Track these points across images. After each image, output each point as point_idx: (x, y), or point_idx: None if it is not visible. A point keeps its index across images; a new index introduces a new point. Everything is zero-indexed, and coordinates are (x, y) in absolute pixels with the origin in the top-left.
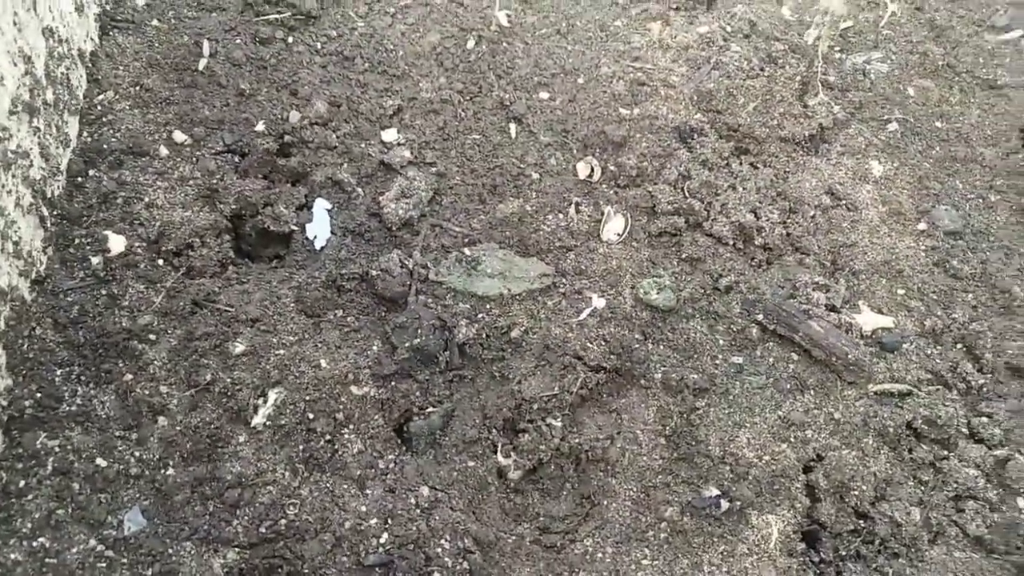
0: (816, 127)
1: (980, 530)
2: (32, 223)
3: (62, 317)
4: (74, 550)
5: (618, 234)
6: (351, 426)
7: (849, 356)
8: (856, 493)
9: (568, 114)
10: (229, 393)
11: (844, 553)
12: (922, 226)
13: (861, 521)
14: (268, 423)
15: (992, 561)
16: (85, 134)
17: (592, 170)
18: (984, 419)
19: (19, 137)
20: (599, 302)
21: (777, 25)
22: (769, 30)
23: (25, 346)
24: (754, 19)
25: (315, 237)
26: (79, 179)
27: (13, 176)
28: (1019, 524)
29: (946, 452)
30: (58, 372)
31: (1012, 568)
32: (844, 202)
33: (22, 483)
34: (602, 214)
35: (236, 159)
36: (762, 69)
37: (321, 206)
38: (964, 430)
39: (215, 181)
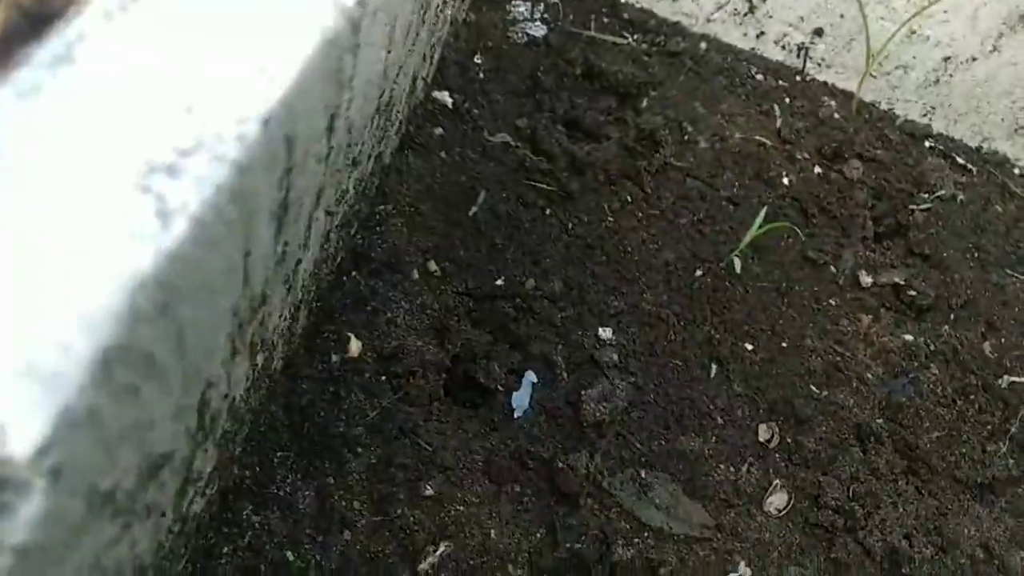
0: (989, 477)
1: None
2: (304, 313)
3: (295, 403)
4: None
5: (778, 509)
6: None
7: None
8: None
9: (764, 373)
10: (408, 531)
11: None
12: None
13: None
14: (430, 572)
15: None
16: (360, 236)
17: (772, 436)
18: None
19: (332, 246)
20: (745, 571)
21: (976, 359)
22: (968, 362)
23: (261, 421)
24: (957, 347)
25: (516, 406)
26: (343, 277)
27: (314, 278)
28: None
29: None
30: (278, 454)
31: None
32: (996, 562)
33: (223, 548)
34: (769, 483)
35: (471, 304)
36: (954, 401)
37: (530, 378)
38: None
39: (451, 321)
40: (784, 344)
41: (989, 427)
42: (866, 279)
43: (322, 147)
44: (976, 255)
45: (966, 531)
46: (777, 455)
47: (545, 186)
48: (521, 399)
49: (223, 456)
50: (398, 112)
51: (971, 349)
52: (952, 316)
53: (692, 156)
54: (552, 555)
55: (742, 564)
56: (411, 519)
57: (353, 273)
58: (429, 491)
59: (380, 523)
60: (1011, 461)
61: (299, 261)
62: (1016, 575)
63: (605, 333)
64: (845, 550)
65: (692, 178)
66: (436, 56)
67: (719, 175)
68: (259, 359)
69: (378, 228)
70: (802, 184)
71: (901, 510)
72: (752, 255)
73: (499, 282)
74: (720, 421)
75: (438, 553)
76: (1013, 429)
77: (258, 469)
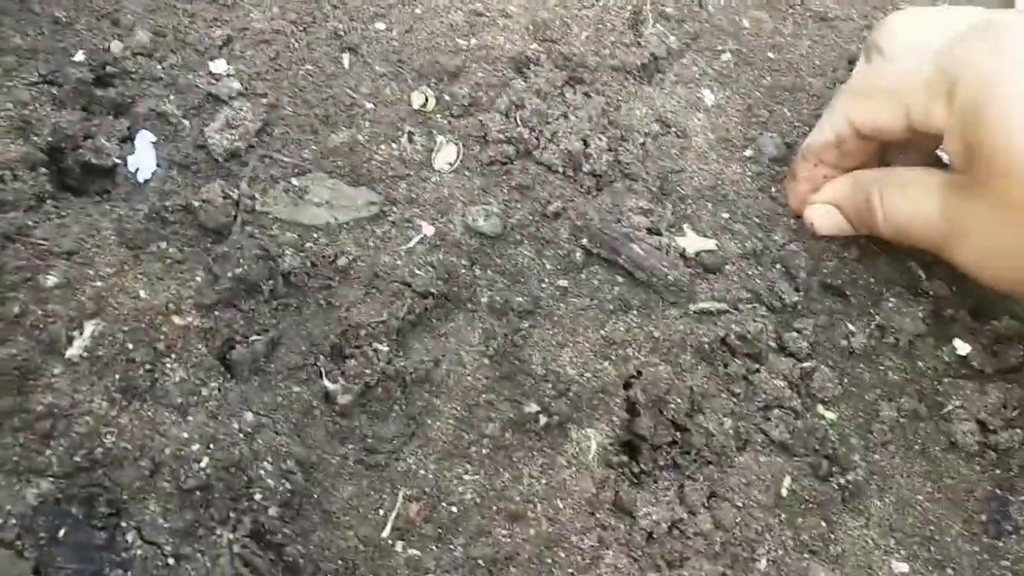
0: (648, 56)
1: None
2: None
3: None
4: None
5: (450, 163)
6: (172, 355)
7: (669, 277)
8: (673, 407)
9: (404, 44)
10: (41, 326)
11: (661, 463)
12: (749, 152)
13: (677, 432)
14: (85, 355)
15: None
16: None
17: (426, 100)
18: (794, 334)
19: None
20: (428, 230)
21: None
22: None
23: None
24: None
25: (138, 170)
26: None
27: None
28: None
29: (757, 365)
30: None
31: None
32: (674, 130)
33: None
34: (435, 143)
35: (53, 91)
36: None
37: (145, 139)
38: (774, 344)
39: (28, 112)
40: (418, 11)
41: (632, 7)
42: None
43: None
44: None
45: (638, 113)
46: (437, 116)
47: None
48: (141, 161)
49: None
50: None
51: None
52: None
53: None
54: (214, 290)
55: (425, 225)
56: (40, 313)
57: None
58: (53, 280)
59: (3, 330)
60: (671, 37)
61: None
62: (695, 135)
63: (218, 66)
64: (525, 173)
65: None
66: None
67: None
68: None
69: None
70: None
71: (572, 118)
72: None
73: (78, 57)
74: (369, 106)
75: (86, 335)
76: (668, 8)
77: None
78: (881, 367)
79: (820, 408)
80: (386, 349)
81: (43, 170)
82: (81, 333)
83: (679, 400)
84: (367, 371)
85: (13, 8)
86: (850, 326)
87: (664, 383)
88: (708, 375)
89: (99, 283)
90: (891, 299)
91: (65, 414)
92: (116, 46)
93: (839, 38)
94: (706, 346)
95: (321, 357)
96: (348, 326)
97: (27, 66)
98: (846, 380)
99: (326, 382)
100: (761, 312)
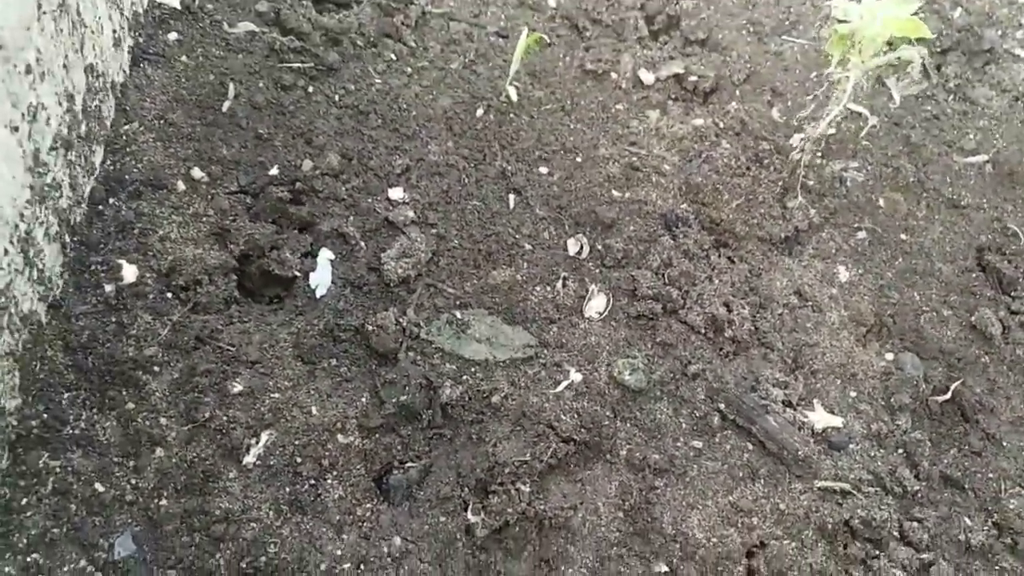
0: (792, 229)
1: None
2: (55, 250)
3: (73, 341)
4: (65, 568)
5: (599, 312)
6: (334, 473)
7: (799, 452)
8: None
9: (564, 190)
10: (224, 431)
11: None
12: (889, 358)
13: None
14: (258, 463)
15: None
16: (109, 162)
17: (581, 247)
18: (915, 524)
19: (55, 171)
20: (576, 376)
21: (766, 125)
22: (758, 130)
23: (37, 367)
24: (745, 119)
25: (317, 286)
26: (100, 207)
27: (45, 208)
28: None
29: (877, 551)
30: (65, 395)
31: None
32: (810, 303)
33: (23, 500)
34: (586, 291)
35: (249, 200)
36: (748, 168)
37: (325, 256)
38: (896, 532)
39: (227, 221)
40: (579, 159)
41: (782, 183)
42: (648, 77)
43: None
44: (751, 30)
45: (778, 284)
46: (590, 264)
47: (301, 65)
48: (321, 278)
49: None
50: (99, 18)
51: (760, 118)
52: (737, 92)
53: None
54: (379, 414)
55: (572, 371)
56: (225, 419)
57: (111, 200)
58: (238, 388)
59: (192, 431)
60: (812, 211)
61: None
62: (829, 311)
63: (395, 193)
64: (669, 331)
65: (455, 21)
66: None
67: (482, 12)
68: None
69: (128, 148)
70: (568, 1)
71: (716, 282)
72: (531, 82)
73: (273, 172)
74: (528, 247)
75: (261, 444)
76: (810, 181)
77: (46, 415)
78: (997, 567)
79: None
80: (528, 490)
81: (233, 276)
82: (258, 442)
83: None
84: (508, 509)
85: (224, 121)
86: (968, 520)
87: (787, 558)
88: (828, 554)
89: (277, 395)
90: (1011, 499)
91: (236, 519)
92: (307, 164)
93: (970, 227)
94: (829, 525)
95: (467, 490)
96: (495, 463)
97: (230, 176)
98: None
99: (470, 515)
100: (887, 500)
